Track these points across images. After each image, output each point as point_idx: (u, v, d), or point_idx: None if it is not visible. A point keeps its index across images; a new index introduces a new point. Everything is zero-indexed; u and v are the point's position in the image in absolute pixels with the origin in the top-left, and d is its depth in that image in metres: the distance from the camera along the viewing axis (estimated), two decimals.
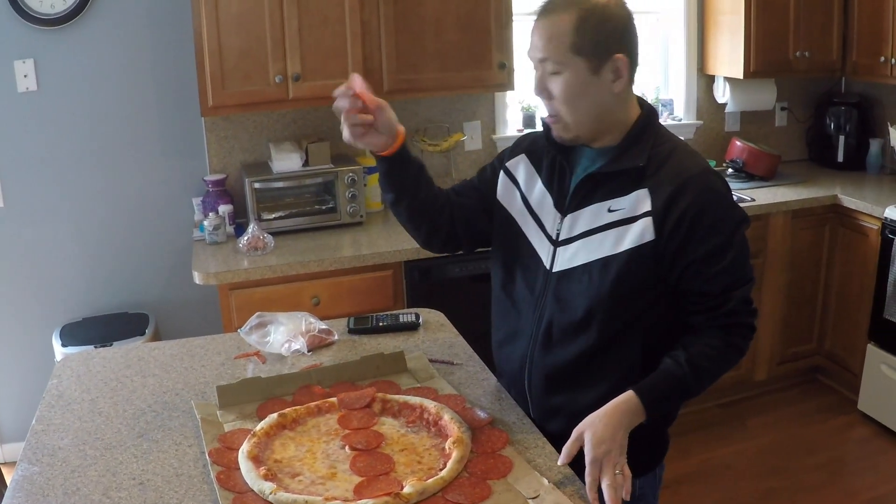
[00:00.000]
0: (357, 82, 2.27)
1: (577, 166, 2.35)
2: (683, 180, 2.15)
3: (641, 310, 2.21)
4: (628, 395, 2.09)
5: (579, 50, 2.12)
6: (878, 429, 5.02)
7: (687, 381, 2.15)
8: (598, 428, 2.02)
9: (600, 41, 2.12)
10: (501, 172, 2.53)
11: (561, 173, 2.37)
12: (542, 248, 2.35)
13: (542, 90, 2.22)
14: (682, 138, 5.48)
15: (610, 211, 2.22)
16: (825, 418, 5.21)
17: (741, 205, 4.75)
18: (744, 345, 2.25)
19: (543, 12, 2.18)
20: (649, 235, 2.15)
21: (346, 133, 2.33)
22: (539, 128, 2.47)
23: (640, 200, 2.18)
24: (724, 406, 5.33)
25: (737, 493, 4.47)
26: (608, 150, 2.27)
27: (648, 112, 2.30)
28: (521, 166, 2.49)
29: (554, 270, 2.31)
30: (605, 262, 2.20)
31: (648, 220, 2.15)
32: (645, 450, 2.39)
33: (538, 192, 2.41)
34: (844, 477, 4.60)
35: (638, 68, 2.25)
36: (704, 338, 2.20)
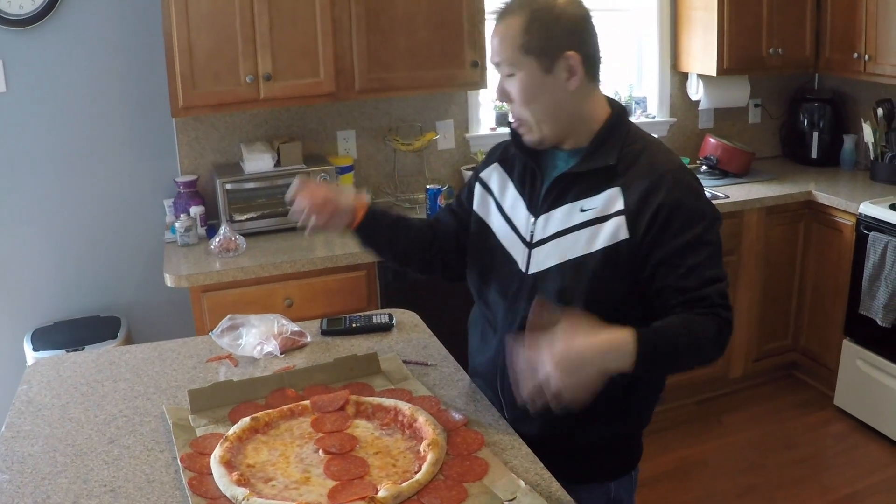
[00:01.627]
0: (304, 188, 2.49)
1: (548, 169, 2.35)
2: (656, 177, 2.15)
3: (615, 312, 2.11)
4: (624, 341, 1.93)
5: (529, 49, 2.14)
6: (854, 424, 5.03)
7: (680, 344, 2.04)
8: (566, 378, 1.86)
9: (550, 39, 2.14)
10: (476, 184, 2.54)
11: (532, 177, 2.37)
12: (517, 251, 2.34)
13: (502, 93, 2.26)
14: (656, 135, 5.50)
15: (582, 210, 2.21)
16: (802, 414, 5.21)
17: (715, 202, 4.83)
18: (724, 338, 2.11)
19: (498, 17, 2.22)
20: (623, 234, 2.14)
21: (308, 232, 2.53)
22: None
23: (613, 199, 2.17)
24: (700, 403, 5.33)
25: (714, 490, 4.46)
26: (578, 151, 2.27)
27: (618, 111, 2.30)
28: (494, 175, 2.50)
29: (529, 272, 2.29)
30: (578, 262, 2.19)
31: (622, 219, 2.14)
32: (619, 455, 2.44)
33: (511, 197, 2.41)
34: (822, 472, 4.61)
35: (601, 66, 2.27)
36: (692, 315, 2.09)
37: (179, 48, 4.08)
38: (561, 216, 2.24)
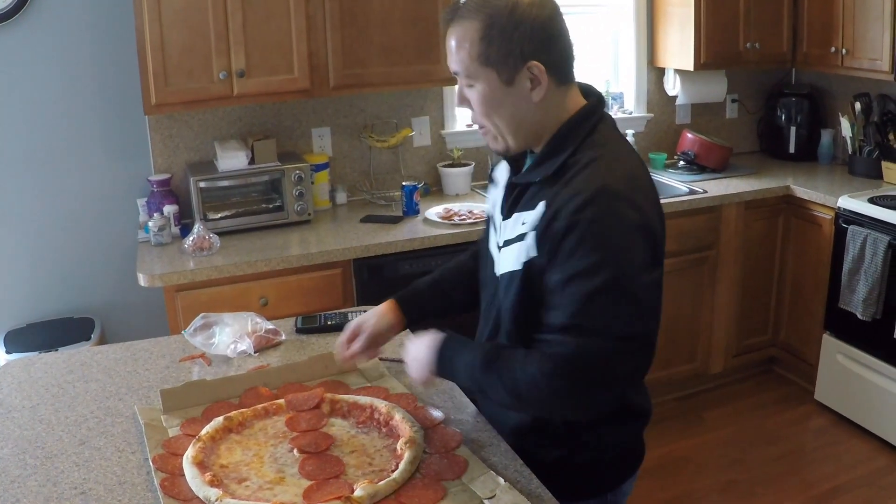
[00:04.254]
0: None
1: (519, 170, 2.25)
2: (570, 196, 1.94)
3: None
4: (432, 348, 2.14)
5: (487, 61, 1.98)
6: (835, 418, 5.03)
7: (475, 372, 2.03)
8: (411, 370, 2.21)
9: (512, 49, 1.97)
10: (490, 183, 2.44)
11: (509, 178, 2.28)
12: (494, 252, 2.24)
13: (462, 100, 2.11)
14: (632, 131, 5.51)
15: (522, 224, 2.07)
16: (782, 409, 5.21)
17: (693, 197, 4.83)
18: (580, 392, 1.91)
19: (451, 20, 2.04)
20: (534, 251, 2.01)
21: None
22: None
23: (538, 214, 2.01)
24: (680, 399, 5.33)
25: (696, 486, 4.45)
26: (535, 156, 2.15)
27: (587, 109, 2.11)
28: (502, 168, 2.36)
29: (499, 274, 2.18)
30: (510, 277, 2.09)
31: (534, 235, 2.00)
32: (596, 474, 2.29)
33: (494, 195, 2.34)
34: (803, 467, 4.60)
35: (573, 64, 2.09)
36: (529, 355, 1.95)
37: (152, 45, 4.03)
38: (510, 226, 2.13)
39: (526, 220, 2.04)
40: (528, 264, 2.01)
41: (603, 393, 1.94)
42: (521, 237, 2.05)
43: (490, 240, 2.30)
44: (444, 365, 2.10)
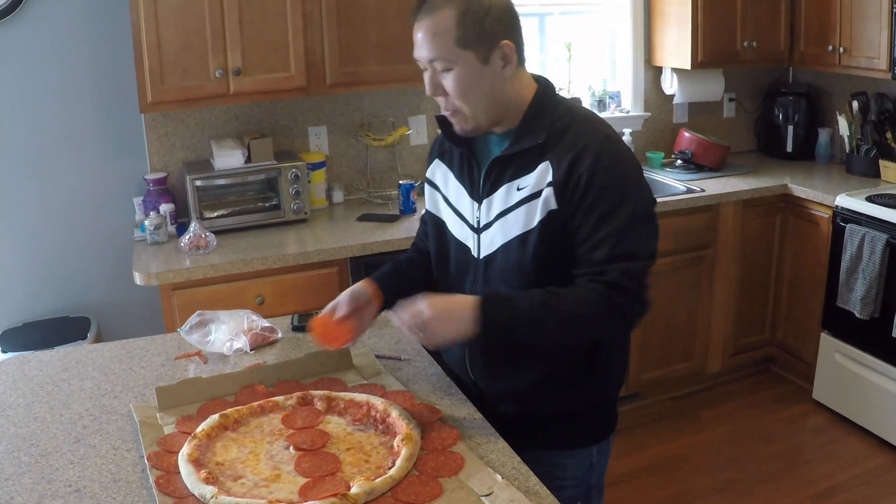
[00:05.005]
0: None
1: (482, 154, 2.39)
2: (580, 148, 2.17)
3: (566, 283, 2.20)
4: (470, 305, 2.12)
5: (465, 43, 2.14)
6: (833, 417, 5.02)
7: (534, 313, 2.13)
8: (434, 327, 2.11)
9: (485, 31, 2.14)
10: (426, 185, 2.60)
11: (469, 165, 2.40)
12: (468, 239, 2.40)
13: (436, 88, 2.23)
14: (629, 130, 5.52)
15: (518, 189, 2.25)
16: (780, 408, 5.21)
17: (690, 196, 4.83)
18: (627, 309, 2.17)
19: (424, 11, 2.18)
20: (553, 204, 2.18)
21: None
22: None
23: (544, 173, 2.20)
24: (677, 399, 5.32)
25: (693, 485, 4.44)
26: (510, 133, 2.30)
27: (544, 88, 2.33)
28: (437, 170, 2.55)
29: (480, 257, 2.35)
30: (521, 239, 2.24)
31: (551, 190, 2.18)
32: (596, 420, 2.50)
33: (454, 187, 2.45)
34: (801, 466, 4.59)
35: (524, 48, 2.27)
36: (577, 286, 2.18)
37: (148, 43, 4.02)
38: (501, 197, 2.29)
39: (525, 184, 2.24)
40: (546, 219, 2.19)
41: (641, 308, 2.18)
42: (525, 200, 2.23)
43: (452, 231, 2.47)
44: (495, 315, 2.12)
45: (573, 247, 2.19)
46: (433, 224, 2.54)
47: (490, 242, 2.31)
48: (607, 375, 2.42)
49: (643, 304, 2.18)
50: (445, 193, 2.48)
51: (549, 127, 2.23)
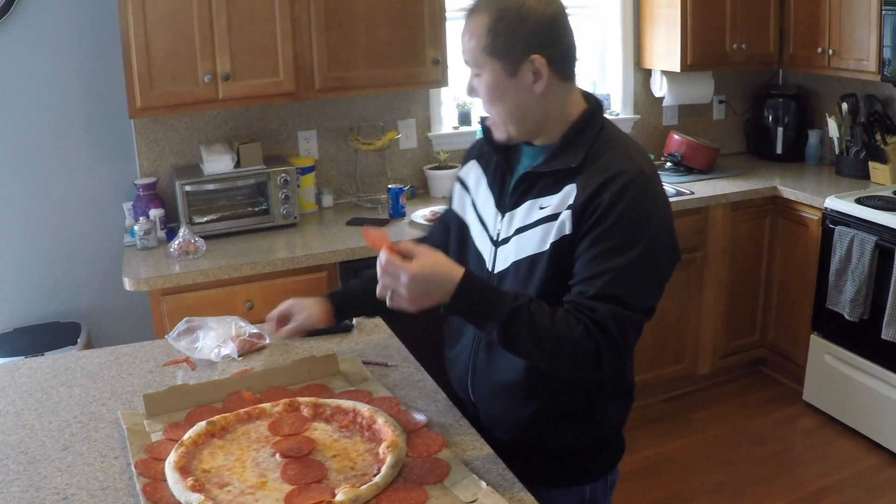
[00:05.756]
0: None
1: (517, 165, 2.31)
2: (612, 175, 2.06)
3: None
4: (454, 277, 1.95)
5: (492, 52, 2.10)
6: (823, 419, 5.03)
7: (510, 311, 1.95)
8: (411, 289, 1.92)
9: (515, 43, 2.08)
10: (457, 183, 2.52)
11: (502, 173, 2.33)
12: (486, 250, 2.32)
13: (471, 89, 2.21)
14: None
15: (541, 208, 2.17)
16: (770, 410, 5.21)
17: (680, 199, 4.83)
18: (603, 353, 1.98)
19: (466, 14, 2.17)
20: (567, 229, 2.09)
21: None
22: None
23: (567, 196, 2.11)
24: (668, 401, 5.33)
25: (684, 487, 4.45)
26: (547, 149, 2.22)
27: (593, 109, 2.23)
28: (472, 172, 2.47)
29: (494, 272, 2.27)
30: (532, 260, 2.16)
31: (569, 213, 2.09)
32: (593, 457, 2.40)
33: (483, 194, 2.38)
34: (792, 468, 4.60)
35: (576, 64, 2.20)
36: (566, 311, 2.01)
37: (136, 48, 4.02)
38: (522, 213, 2.21)
39: (546, 204, 2.15)
40: (558, 243, 2.10)
41: (613, 359, 2.01)
42: (543, 220, 2.14)
43: (475, 239, 2.37)
44: (472, 294, 1.96)
45: (570, 272, 2.08)
46: (457, 226, 2.46)
47: (505, 258, 2.23)
48: (606, 415, 2.32)
49: (617, 356, 2.01)
50: (474, 198, 2.41)
51: (589, 150, 2.14)
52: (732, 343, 5.45)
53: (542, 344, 1.97)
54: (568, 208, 2.09)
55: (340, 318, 2.59)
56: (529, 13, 2.08)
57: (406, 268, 1.91)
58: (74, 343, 4.34)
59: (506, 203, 2.28)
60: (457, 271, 1.96)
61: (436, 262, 1.96)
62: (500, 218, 2.28)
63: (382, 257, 1.94)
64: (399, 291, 1.93)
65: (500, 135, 2.23)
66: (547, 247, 2.12)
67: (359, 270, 4.18)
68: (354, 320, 2.96)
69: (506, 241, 2.24)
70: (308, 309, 2.54)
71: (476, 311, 1.98)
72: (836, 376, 4.89)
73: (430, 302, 1.96)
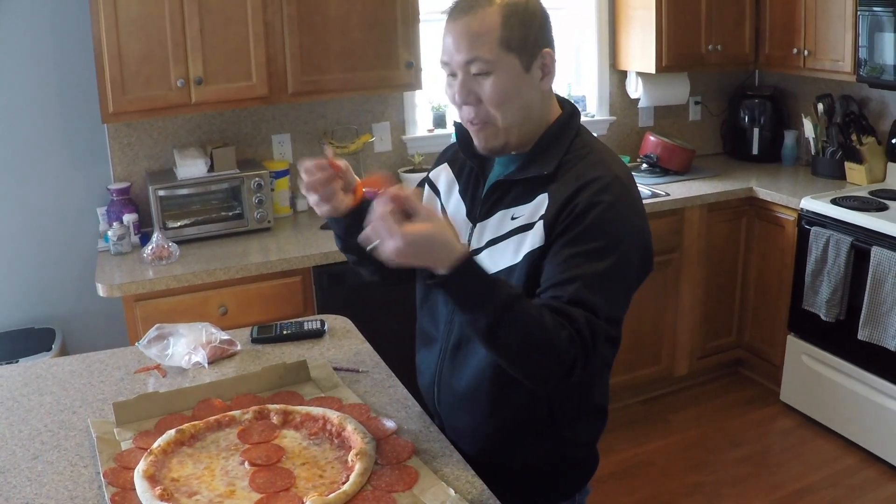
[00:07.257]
0: (329, 152, 2.18)
1: (489, 172, 2.25)
2: (586, 181, 2.02)
3: None
4: (453, 252, 1.81)
5: (510, 45, 2.01)
6: (800, 419, 5.05)
7: (508, 300, 1.84)
8: (401, 252, 1.79)
9: (529, 36, 2.03)
10: (425, 185, 2.44)
11: (475, 181, 2.27)
12: None
13: (469, 95, 2.06)
14: (595, 135, 5.52)
15: (513, 218, 2.10)
16: (748, 411, 5.23)
17: (656, 200, 4.83)
18: (577, 361, 1.89)
19: (462, 10, 2.03)
20: (539, 241, 2.02)
21: (314, 200, 2.21)
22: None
23: (539, 205, 2.05)
24: (645, 402, 5.33)
25: (662, 489, 4.45)
26: (519, 156, 2.17)
27: (569, 114, 2.19)
28: (442, 175, 2.40)
29: None
30: (506, 273, 2.07)
31: (541, 224, 2.02)
32: (564, 475, 2.35)
33: (454, 202, 2.31)
34: (769, 469, 4.61)
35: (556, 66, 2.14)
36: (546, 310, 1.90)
37: (109, 53, 4.00)
38: (494, 224, 2.15)
39: (519, 214, 2.09)
40: (531, 254, 2.03)
41: (587, 367, 1.92)
42: (515, 231, 2.08)
43: None
44: (470, 275, 1.84)
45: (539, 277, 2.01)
46: None
47: (486, 264, 2.01)
48: (574, 433, 2.25)
49: (587, 365, 1.92)
50: (445, 205, 2.32)
51: (563, 157, 2.09)
52: (709, 344, 5.46)
53: (529, 341, 1.86)
54: (540, 219, 2.03)
55: (357, 215, 2.21)
56: (535, 7, 2.06)
57: (402, 233, 1.78)
58: (49, 349, 4.30)
59: (476, 213, 2.21)
60: (458, 247, 1.83)
61: (435, 233, 1.82)
62: (470, 228, 2.21)
63: (378, 209, 1.81)
64: (386, 248, 1.80)
65: (494, 143, 2.13)
66: (520, 258, 2.05)
67: (333, 276, 4.17)
68: (326, 325, 2.95)
69: (477, 252, 2.15)
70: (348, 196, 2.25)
71: (468, 293, 1.86)
72: (813, 377, 4.91)
73: (418, 265, 1.86)
